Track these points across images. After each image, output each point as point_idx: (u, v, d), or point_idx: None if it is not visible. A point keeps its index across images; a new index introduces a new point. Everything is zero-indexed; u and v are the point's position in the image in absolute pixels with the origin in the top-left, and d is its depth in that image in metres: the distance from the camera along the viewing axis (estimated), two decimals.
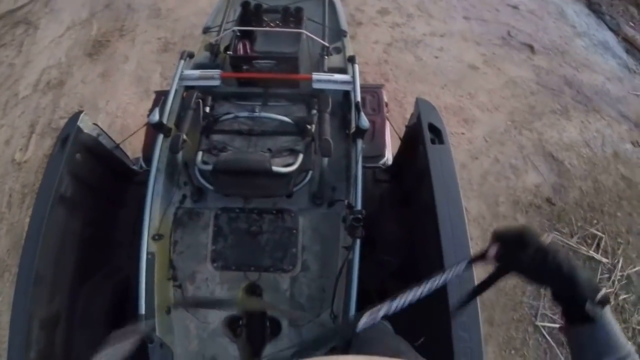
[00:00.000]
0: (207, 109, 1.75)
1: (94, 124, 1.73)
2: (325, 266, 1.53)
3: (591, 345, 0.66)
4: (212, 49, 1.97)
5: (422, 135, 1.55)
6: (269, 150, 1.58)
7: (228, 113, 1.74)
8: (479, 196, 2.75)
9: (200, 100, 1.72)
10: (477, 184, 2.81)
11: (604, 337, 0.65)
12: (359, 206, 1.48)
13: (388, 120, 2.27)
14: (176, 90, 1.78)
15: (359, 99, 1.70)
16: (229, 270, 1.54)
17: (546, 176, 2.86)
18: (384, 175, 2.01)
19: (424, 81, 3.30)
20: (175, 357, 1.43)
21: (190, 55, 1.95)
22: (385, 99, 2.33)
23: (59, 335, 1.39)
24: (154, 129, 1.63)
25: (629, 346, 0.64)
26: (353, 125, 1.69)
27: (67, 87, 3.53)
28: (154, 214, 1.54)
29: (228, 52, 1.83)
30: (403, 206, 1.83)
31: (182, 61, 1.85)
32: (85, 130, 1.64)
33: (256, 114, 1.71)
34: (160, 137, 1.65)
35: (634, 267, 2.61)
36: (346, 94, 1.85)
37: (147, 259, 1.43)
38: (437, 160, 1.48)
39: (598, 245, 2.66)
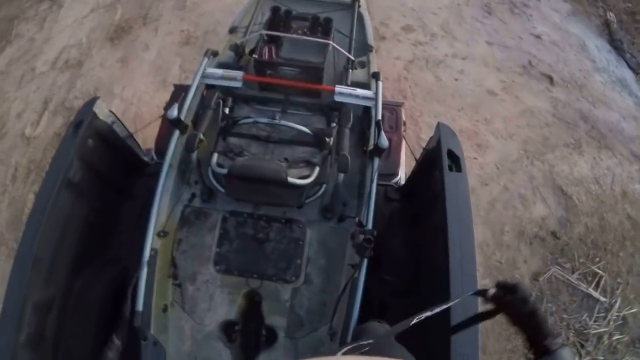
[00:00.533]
0: (227, 110, 1.74)
1: (110, 111, 1.71)
2: (329, 281, 1.51)
3: None
4: (237, 49, 1.97)
5: (440, 161, 1.55)
6: (286, 160, 1.58)
7: (247, 117, 1.74)
8: (485, 223, 2.76)
9: (221, 101, 1.72)
10: (484, 210, 2.82)
11: None
12: (369, 225, 1.47)
13: (404, 139, 2.28)
14: (197, 88, 1.77)
15: (380, 116, 1.70)
16: (230, 275, 1.52)
17: (553, 209, 2.87)
18: (396, 194, 2.01)
19: (441, 102, 3.31)
20: (168, 357, 1.42)
21: (215, 54, 1.94)
22: (403, 117, 2.35)
23: (51, 321, 1.36)
24: (172, 124, 1.61)
25: None
26: (371, 142, 1.69)
27: (85, 68, 3.53)
28: (162, 210, 1.52)
29: (253, 55, 1.83)
30: (412, 227, 1.83)
31: (206, 58, 1.84)
32: (101, 117, 1.62)
33: (275, 121, 1.71)
34: (177, 133, 1.63)
35: (631, 308, 2.62)
36: (366, 109, 1.85)
37: (150, 255, 1.41)
38: (453, 188, 1.50)
39: (598, 283, 2.67)
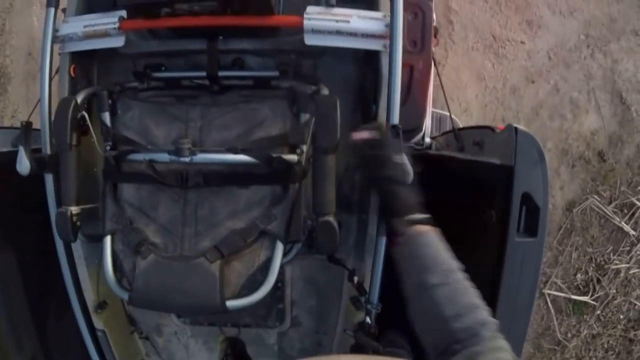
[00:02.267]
0: (106, 118, 1.03)
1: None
2: (323, 321, 1.28)
3: (412, 260, 0.72)
4: None
5: (507, 211, 0.88)
6: (217, 249, 0.93)
7: (130, 145, 1.01)
8: None
9: (85, 112, 1.00)
10: (525, 119, 2.12)
11: (422, 254, 0.70)
12: (375, 296, 1.02)
13: (435, 64, 1.29)
14: (52, 75, 1.05)
15: (397, 84, 0.92)
16: (199, 325, 1.31)
17: (607, 122, 2.22)
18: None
19: None
20: None
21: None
22: (434, 21, 1.33)
23: None
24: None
25: (454, 263, 0.68)
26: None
27: None
28: (85, 286, 1.16)
29: None
30: None
31: (52, 9, 1.05)
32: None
33: (186, 154, 0.92)
34: (50, 182, 1.07)
35: None
36: (369, 56, 1.01)
37: (99, 336, 1.19)
38: (518, 261, 0.89)
39: (632, 215, 2.26)
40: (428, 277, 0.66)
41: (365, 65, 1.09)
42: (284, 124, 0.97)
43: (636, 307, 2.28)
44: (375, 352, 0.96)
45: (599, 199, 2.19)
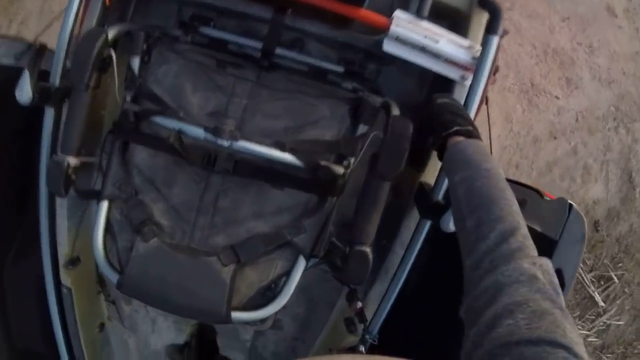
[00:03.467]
0: (136, 66, 0.88)
1: None
2: (305, 330, 1.19)
3: (471, 152, 0.70)
4: None
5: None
6: (233, 251, 0.83)
7: (157, 104, 0.86)
8: None
9: (112, 50, 0.86)
10: (538, 172, 2.15)
11: (480, 149, 0.71)
12: (376, 328, 0.98)
13: (487, 102, 1.27)
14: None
15: (469, 120, 0.85)
16: None
17: (610, 195, 2.28)
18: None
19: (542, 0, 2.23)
20: None
21: None
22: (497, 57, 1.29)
23: None
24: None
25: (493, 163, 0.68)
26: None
27: None
28: (61, 239, 1.05)
29: None
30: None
31: None
32: None
33: (225, 137, 0.81)
34: (49, 117, 0.93)
35: (620, 319, 2.40)
36: (438, 82, 0.93)
37: (63, 293, 1.08)
38: None
39: (606, 288, 2.34)
40: (455, 176, 0.68)
41: (430, 89, 1.02)
42: (338, 130, 0.86)
43: None
44: None
45: (582, 265, 2.26)
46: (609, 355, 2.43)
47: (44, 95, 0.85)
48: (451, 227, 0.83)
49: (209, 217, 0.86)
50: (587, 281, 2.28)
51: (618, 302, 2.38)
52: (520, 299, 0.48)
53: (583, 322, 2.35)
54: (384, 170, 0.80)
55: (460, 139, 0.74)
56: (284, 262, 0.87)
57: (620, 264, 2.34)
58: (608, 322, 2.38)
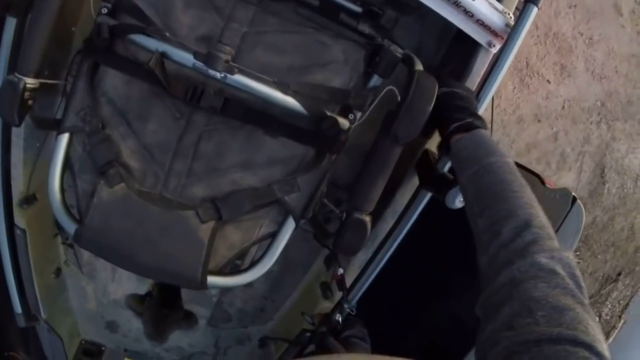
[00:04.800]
0: None
1: None
2: (276, 290, 1.14)
3: (460, 153, 0.70)
4: None
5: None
6: (214, 205, 0.70)
7: (139, 19, 0.69)
8: None
9: None
10: (516, 152, 2.20)
11: (481, 141, 0.69)
12: (356, 297, 0.94)
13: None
14: None
15: (489, 96, 0.82)
16: None
17: (581, 186, 2.36)
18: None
19: None
20: (72, 314, 1.19)
21: None
22: None
23: None
24: None
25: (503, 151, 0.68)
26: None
27: None
28: (16, 174, 0.93)
29: None
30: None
31: None
32: None
33: (219, 67, 0.66)
34: (10, 28, 0.76)
35: None
36: (461, 42, 0.85)
37: (17, 234, 0.98)
38: None
39: None
40: (489, 158, 0.65)
41: (450, 49, 0.93)
42: (350, 78, 0.75)
43: None
44: (333, 350, 0.87)
45: None
46: None
47: (5, 1, 0.72)
48: (457, 204, 0.77)
49: (188, 162, 0.73)
50: None
51: None
52: (539, 294, 0.46)
53: None
54: (401, 133, 0.70)
55: (461, 135, 0.70)
56: (271, 222, 0.76)
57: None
58: None
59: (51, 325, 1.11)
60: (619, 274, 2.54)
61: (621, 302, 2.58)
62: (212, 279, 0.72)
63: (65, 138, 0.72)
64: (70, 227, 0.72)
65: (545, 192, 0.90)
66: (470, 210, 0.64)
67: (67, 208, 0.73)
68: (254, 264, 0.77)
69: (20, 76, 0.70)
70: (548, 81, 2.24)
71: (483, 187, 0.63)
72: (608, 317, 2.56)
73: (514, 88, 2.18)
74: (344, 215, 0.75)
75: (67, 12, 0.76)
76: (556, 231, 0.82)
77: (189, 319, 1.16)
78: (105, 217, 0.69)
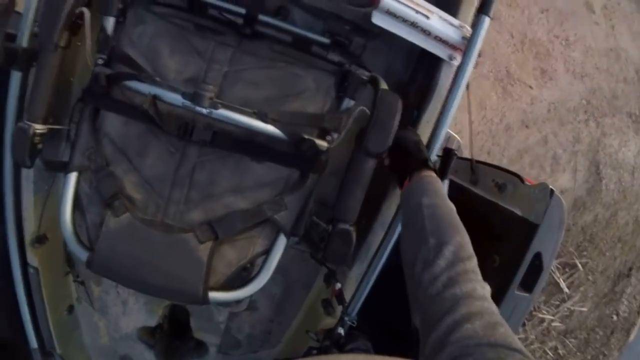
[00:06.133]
0: (110, 27, 0.81)
1: None
2: (282, 312, 1.18)
3: (414, 192, 0.75)
4: None
5: (514, 265, 0.89)
6: (210, 227, 0.78)
7: (131, 67, 0.80)
8: None
9: (85, 8, 0.80)
10: (508, 160, 2.21)
11: (424, 187, 0.75)
12: (355, 309, 0.97)
13: (467, 85, 1.28)
14: None
15: (453, 110, 0.90)
16: None
17: (578, 186, 2.35)
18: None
19: None
20: (86, 350, 1.20)
21: None
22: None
23: None
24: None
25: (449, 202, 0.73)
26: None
27: None
28: (27, 215, 1.00)
29: None
30: None
31: None
32: None
33: (205, 104, 0.75)
34: (16, 81, 0.86)
35: (583, 306, 2.49)
36: (425, 60, 0.94)
37: (30, 273, 1.03)
38: (508, 312, 0.91)
39: (571, 275, 2.42)
40: (422, 199, 0.71)
41: (417, 66, 0.99)
42: (323, 104, 0.83)
43: (548, 356, 2.46)
44: None
45: None
46: (572, 340, 2.52)
47: (10, 56, 0.80)
48: None
49: (185, 191, 0.80)
50: (552, 267, 2.35)
51: (582, 289, 2.46)
52: (477, 310, 0.54)
53: (548, 307, 2.43)
54: (371, 146, 0.77)
55: (422, 175, 0.78)
56: (264, 240, 0.82)
57: (584, 252, 2.42)
58: (572, 308, 2.46)
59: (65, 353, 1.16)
60: (630, 269, 2.51)
61: (637, 297, 2.54)
62: (213, 294, 0.78)
63: (73, 176, 0.80)
64: (83, 254, 0.78)
65: (526, 189, 0.93)
66: (421, 226, 0.69)
67: (78, 237, 0.80)
68: (251, 279, 0.82)
69: (30, 123, 0.79)
70: (530, 87, 2.27)
71: (442, 215, 0.69)
72: (626, 315, 2.51)
73: (498, 97, 2.21)
74: (330, 227, 0.81)
75: (66, 64, 0.84)
76: (540, 224, 0.89)
77: (200, 348, 1.21)
78: (113, 244, 0.76)
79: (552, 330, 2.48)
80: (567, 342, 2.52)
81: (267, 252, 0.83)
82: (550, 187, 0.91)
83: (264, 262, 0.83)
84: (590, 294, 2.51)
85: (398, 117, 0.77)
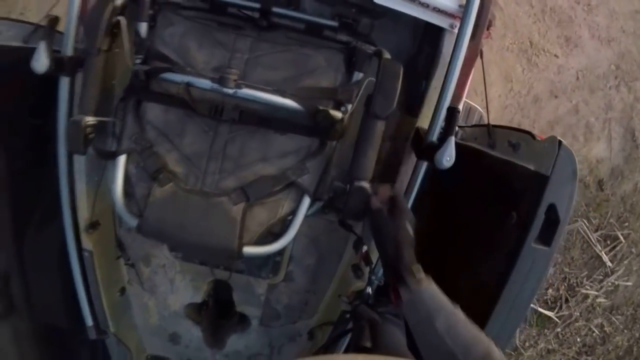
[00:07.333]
0: (143, 31, 0.95)
1: None
2: (316, 282, 1.28)
3: (419, 311, 0.71)
4: None
5: (530, 220, 0.88)
6: (242, 191, 0.89)
7: (165, 62, 0.91)
8: None
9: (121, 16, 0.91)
10: (540, 131, 2.14)
11: (428, 305, 0.71)
12: (380, 269, 1.03)
13: (481, 56, 1.28)
14: None
15: (455, 76, 0.93)
16: (190, 262, 1.26)
17: (614, 154, 2.26)
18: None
19: None
20: (137, 330, 1.34)
21: None
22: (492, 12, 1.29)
23: (15, 289, 1.13)
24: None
25: (451, 306, 0.71)
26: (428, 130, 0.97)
27: None
28: (80, 204, 1.11)
29: None
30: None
31: None
32: None
33: (231, 85, 0.86)
34: (64, 86, 0.98)
35: (628, 280, 2.39)
36: (430, 31, 1.04)
37: (85, 256, 1.13)
38: (528, 266, 0.90)
39: (613, 248, 2.32)
40: (435, 323, 0.68)
41: (423, 38, 1.09)
42: (335, 78, 0.93)
43: (594, 334, 2.36)
44: (373, 323, 0.94)
45: (587, 224, 2.24)
46: (619, 316, 2.42)
47: (59, 63, 0.90)
48: (445, 163, 0.91)
49: (219, 163, 0.91)
50: (593, 240, 2.27)
51: (625, 262, 2.36)
52: None
53: (591, 282, 2.34)
54: (378, 109, 0.85)
55: (426, 283, 0.74)
56: (290, 202, 0.92)
57: (626, 224, 2.33)
58: (616, 282, 2.37)
59: (120, 338, 1.26)
60: None
61: None
62: (247, 249, 0.87)
63: (122, 158, 0.92)
64: (133, 221, 0.88)
65: (537, 145, 0.95)
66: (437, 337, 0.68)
67: (129, 207, 0.91)
68: (280, 235, 0.92)
69: (81, 115, 0.89)
70: (556, 56, 2.20)
71: (458, 325, 0.69)
72: None
73: (524, 69, 2.14)
74: (348, 186, 0.89)
75: (107, 67, 0.96)
76: (550, 175, 0.89)
77: (243, 321, 1.32)
78: (160, 210, 0.87)
79: (597, 306, 2.39)
80: (613, 319, 2.43)
81: (293, 213, 0.92)
82: (559, 138, 0.92)
83: (291, 220, 0.93)
84: (635, 267, 2.41)
85: (399, 81, 0.84)
